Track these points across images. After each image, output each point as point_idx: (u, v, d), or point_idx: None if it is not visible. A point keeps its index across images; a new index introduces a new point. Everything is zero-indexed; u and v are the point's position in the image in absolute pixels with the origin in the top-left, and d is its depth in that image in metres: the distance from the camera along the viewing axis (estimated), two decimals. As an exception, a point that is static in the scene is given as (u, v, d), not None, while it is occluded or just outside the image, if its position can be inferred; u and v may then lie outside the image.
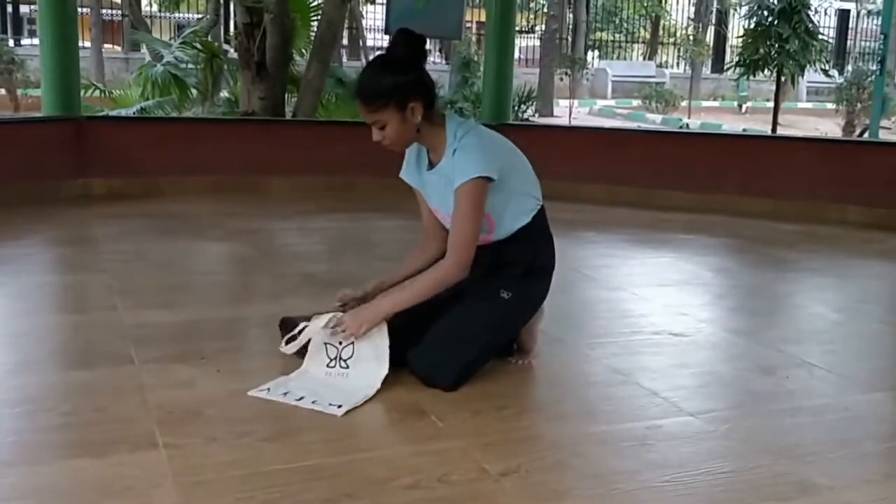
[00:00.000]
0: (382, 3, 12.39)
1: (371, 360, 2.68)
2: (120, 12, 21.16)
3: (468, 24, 18.51)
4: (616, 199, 6.68)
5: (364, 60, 17.13)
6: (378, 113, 2.65)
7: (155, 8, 20.44)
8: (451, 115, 2.81)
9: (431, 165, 2.81)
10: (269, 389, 2.61)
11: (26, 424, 2.41)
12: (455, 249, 2.66)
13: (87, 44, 18.61)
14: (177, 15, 20.14)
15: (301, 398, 2.55)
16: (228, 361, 2.89)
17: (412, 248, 3.00)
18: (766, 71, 13.75)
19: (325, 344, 2.73)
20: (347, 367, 2.69)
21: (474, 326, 2.75)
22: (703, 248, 5.46)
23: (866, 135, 12.89)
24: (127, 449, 2.24)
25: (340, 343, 2.71)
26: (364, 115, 2.69)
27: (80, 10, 7.50)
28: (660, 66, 26.69)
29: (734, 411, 2.74)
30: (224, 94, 9.70)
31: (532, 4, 26.23)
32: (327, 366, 2.71)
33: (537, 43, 23.09)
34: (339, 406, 2.51)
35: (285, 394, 2.58)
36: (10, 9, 22.07)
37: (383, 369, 2.66)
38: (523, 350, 3.00)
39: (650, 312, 3.82)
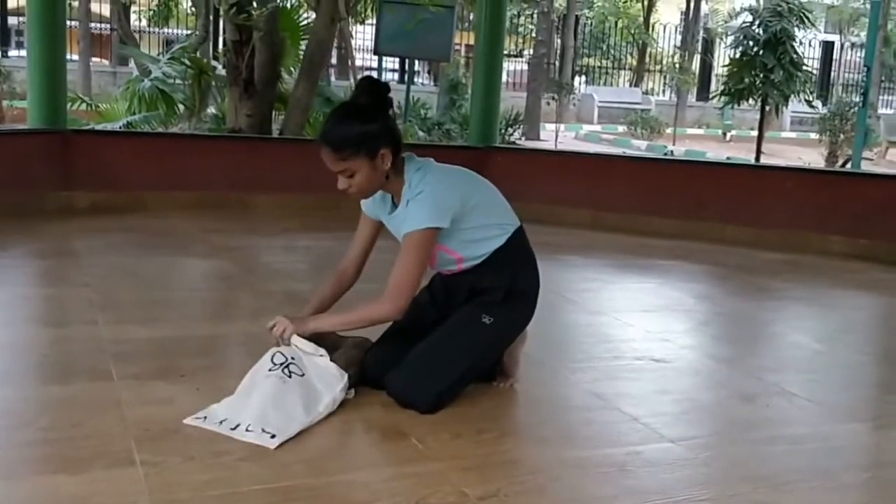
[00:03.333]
0: (372, 24, 12.45)
1: (319, 386, 2.62)
2: (109, 26, 21.15)
3: (457, 47, 18.57)
4: (600, 224, 6.70)
5: (353, 80, 17.16)
6: (347, 162, 2.64)
7: (144, 23, 20.43)
8: (410, 158, 2.78)
9: (395, 207, 2.81)
10: (205, 418, 2.51)
11: (3, 439, 2.38)
12: (391, 293, 2.67)
13: (75, 56, 18.56)
14: (166, 30, 20.14)
15: (236, 426, 2.44)
16: (208, 379, 2.87)
17: (329, 276, 2.98)
18: (750, 100, 13.88)
19: (274, 353, 2.68)
20: (291, 375, 2.61)
21: (454, 351, 2.74)
22: (687, 274, 5.48)
23: (848, 165, 13.01)
24: (103, 465, 2.21)
25: (293, 359, 2.66)
26: (331, 165, 2.67)
27: (68, 22, 7.49)
28: (646, 92, 26.86)
29: (714, 438, 2.75)
30: (211, 110, 9.69)
31: (521, 29, 26.39)
32: (269, 369, 2.62)
33: (525, 67, 23.19)
34: (273, 436, 2.39)
35: (221, 422, 2.47)
36: (-2, 20, 22.04)
37: (323, 402, 2.59)
38: (506, 374, 2.99)
39: (632, 338, 3.83)
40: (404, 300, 2.68)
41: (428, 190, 2.68)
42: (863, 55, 13.51)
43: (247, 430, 2.42)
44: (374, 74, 16.02)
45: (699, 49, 26.23)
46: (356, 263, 2.96)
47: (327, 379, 2.65)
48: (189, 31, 15.77)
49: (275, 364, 2.64)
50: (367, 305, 2.72)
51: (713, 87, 24.24)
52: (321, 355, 2.71)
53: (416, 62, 19.32)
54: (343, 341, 2.87)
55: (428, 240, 2.67)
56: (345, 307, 2.88)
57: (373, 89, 2.70)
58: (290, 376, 2.61)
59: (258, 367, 2.66)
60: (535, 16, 23.94)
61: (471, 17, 18.69)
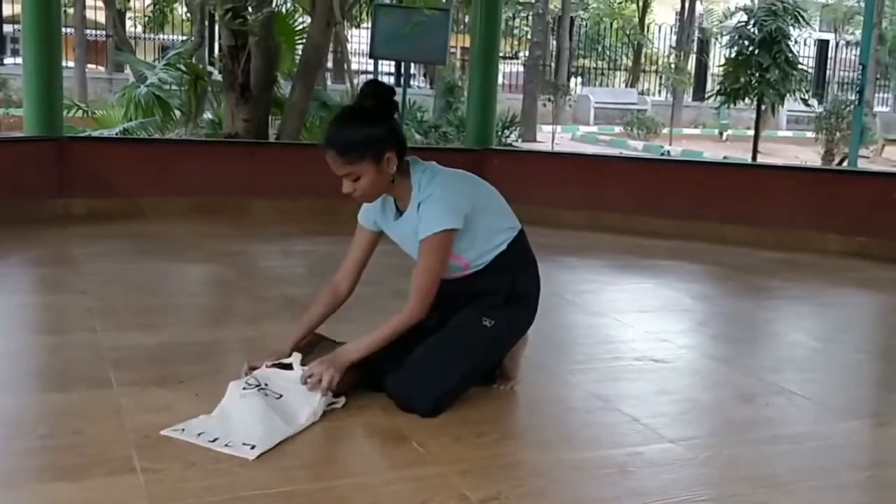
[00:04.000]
0: (367, 28, 12.43)
1: (298, 401, 2.58)
2: (104, 33, 21.16)
3: (453, 50, 18.63)
4: (598, 225, 6.70)
5: (349, 84, 17.16)
6: (353, 165, 2.63)
7: (139, 29, 20.42)
8: (415, 161, 2.78)
9: (399, 213, 2.80)
10: (183, 430, 2.49)
11: (3, 447, 2.38)
12: (416, 297, 2.68)
13: (71, 63, 18.55)
14: (161, 36, 20.12)
15: (215, 439, 2.42)
16: (207, 385, 2.86)
17: (323, 289, 2.94)
18: (746, 99, 13.89)
19: (247, 377, 2.68)
20: (266, 395, 2.59)
21: (455, 353, 2.74)
22: (685, 274, 5.48)
23: (845, 164, 13.02)
24: (104, 473, 2.21)
25: (266, 384, 2.64)
26: (336, 169, 2.65)
27: (64, 29, 7.50)
28: (642, 93, 26.86)
29: (714, 438, 2.75)
30: (208, 115, 9.68)
31: (516, 31, 26.40)
32: (243, 388, 2.62)
33: (521, 69, 23.22)
34: (253, 447, 2.36)
35: (199, 434, 2.45)
36: (-7, 28, 22.00)
37: (303, 414, 2.55)
38: (506, 376, 3.00)
39: (631, 338, 3.83)
40: (428, 302, 2.69)
41: (440, 192, 2.68)
42: (858, 53, 13.53)
43: (226, 445, 2.39)
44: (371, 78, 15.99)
45: (694, 49, 26.25)
46: (352, 276, 2.92)
47: (304, 392, 2.62)
48: (184, 37, 15.78)
49: (249, 385, 2.63)
50: (393, 318, 2.70)
51: (709, 86, 24.24)
52: (290, 367, 2.70)
53: (412, 65, 19.32)
54: (333, 347, 2.85)
55: (446, 241, 2.67)
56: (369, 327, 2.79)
57: (378, 93, 2.69)
58: (266, 396, 2.59)
59: (231, 392, 2.64)
60: (530, 18, 23.95)
61: (466, 20, 18.71)
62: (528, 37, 23.76)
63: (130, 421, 2.54)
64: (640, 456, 2.50)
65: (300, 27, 9.19)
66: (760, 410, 2.98)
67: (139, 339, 3.40)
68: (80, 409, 2.64)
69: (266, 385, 2.64)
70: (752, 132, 15.37)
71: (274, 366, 2.74)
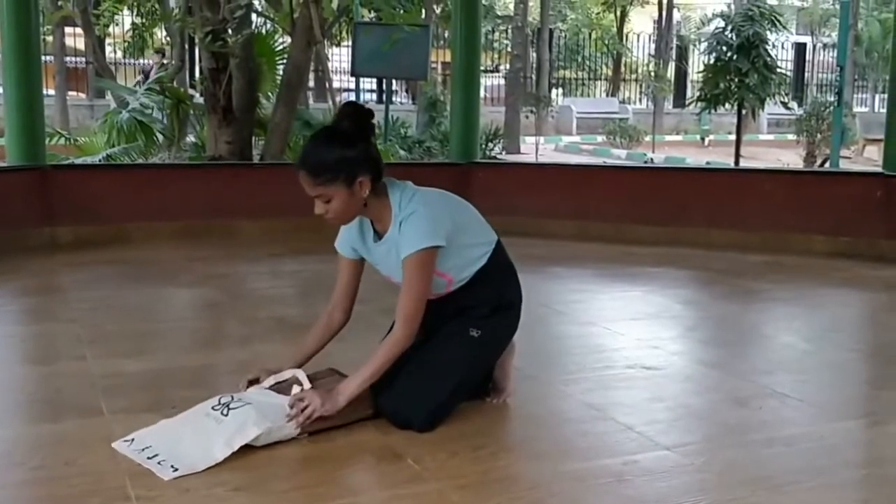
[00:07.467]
0: (348, 46, 12.47)
1: (244, 425, 2.50)
2: (84, 59, 21.10)
3: (434, 65, 18.64)
4: (585, 235, 6.71)
5: (331, 103, 17.16)
6: (324, 187, 2.60)
7: (119, 55, 20.40)
8: (391, 181, 2.75)
9: (378, 236, 2.77)
10: (133, 440, 2.51)
11: (-6, 480, 2.36)
12: (404, 319, 2.64)
13: (52, 91, 18.50)
14: (141, 61, 20.10)
15: (154, 455, 2.42)
16: (200, 409, 2.84)
17: (318, 320, 2.92)
18: (727, 105, 13.96)
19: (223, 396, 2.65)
20: (226, 415, 2.54)
21: (445, 366, 2.74)
22: (673, 280, 5.50)
23: (827, 165, 13.11)
24: (98, 502, 2.19)
25: (239, 398, 2.61)
26: (308, 189, 2.62)
27: (43, 57, 7.47)
28: (623, 102, 26.98)
29: (709, 443, 2.75)
30: (191, 138, 9.67)
31: (496, 44, 26.51)
32: (212, 407, 2.59)
33: (502, 82, 23.28)
34: (175, 469, 2.35)
35: (143, 449, 2.45)
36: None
37: (240, 440, 2.46)
38: (498, 388, 2.99)
39: (622, 346, 3.84)
40: (416, 325, 2.65)
41: (422, 210, 2.66)
42: (835, 55, 13.64)
43: (159, 463, 2.39)
44: (353, 95, 15.99)
45: (673, 56, 26.41)
46: (343, 307, 2.89)
47: (267, 413, 2.56)
48: (165, 61, 15.76)
49: (220, 404, 2.59)
50: (384, 346, 2.66)
51: (689, 93, 24.38)
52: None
53: (394, 81, 19.36)
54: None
55: (430, 259, 2.65)
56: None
57: (355, 115, 2.66)
58: (226, 415, 2.54)
59: (203, 405, 2.62)
60: (509, 31, 24.06)
61: (446, 35, 18.76)
62: (509, 50, 23.85)
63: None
64: (636, 464, 2.50)
65: (280, 47, 9.20)
66: (754, 414, 2.99)
67: (130, 365, 3.38)
68: (73, 438, 2.62)
69: (239, 399, 2.60)
70: (733, 137, 15.45)
71: (275, 385, 2.71)
